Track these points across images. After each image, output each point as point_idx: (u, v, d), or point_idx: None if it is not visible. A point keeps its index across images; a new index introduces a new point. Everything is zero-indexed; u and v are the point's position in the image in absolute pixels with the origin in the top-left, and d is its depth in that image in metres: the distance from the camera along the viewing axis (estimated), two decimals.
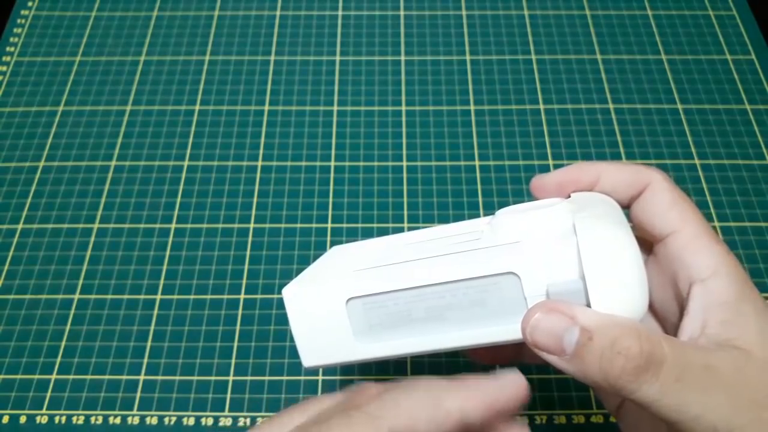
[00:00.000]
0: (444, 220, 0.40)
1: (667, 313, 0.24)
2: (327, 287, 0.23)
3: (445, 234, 0.26)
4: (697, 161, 0.42)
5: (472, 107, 0.45)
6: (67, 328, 0.36)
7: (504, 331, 0.22)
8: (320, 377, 0.35)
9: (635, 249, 0.21)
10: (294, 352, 0.36)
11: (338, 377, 0.35)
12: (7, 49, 0.48)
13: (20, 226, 0.40)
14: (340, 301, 0.23)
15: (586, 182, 0.25)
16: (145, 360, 0.35)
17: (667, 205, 0.23)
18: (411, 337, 0.23)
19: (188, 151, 0.43)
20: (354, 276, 0.24)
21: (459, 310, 0.23)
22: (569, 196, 0.25)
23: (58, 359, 0.35)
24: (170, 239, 0.39)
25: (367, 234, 0.39)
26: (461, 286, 0.22)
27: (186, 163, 0.42)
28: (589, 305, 0.21)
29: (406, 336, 0.23)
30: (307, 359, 0.24)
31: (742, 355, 0.20)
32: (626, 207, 0.25)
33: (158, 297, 0.37)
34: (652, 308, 0.25)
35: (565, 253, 0.21)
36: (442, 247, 0.24)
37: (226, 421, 0.34)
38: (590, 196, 0.25)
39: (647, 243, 0.25)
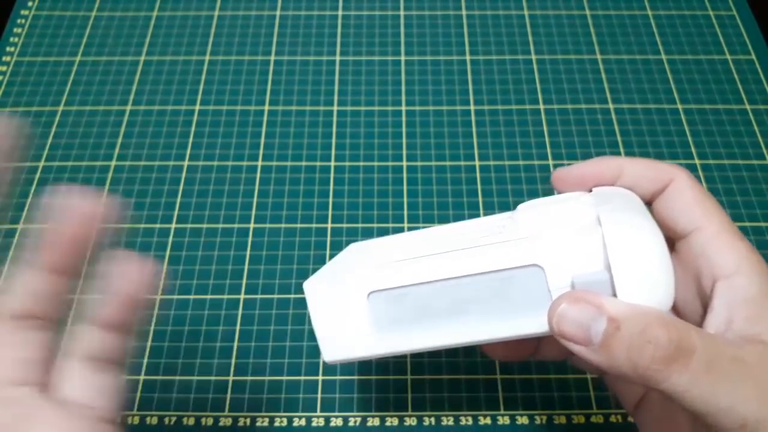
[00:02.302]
0: (444, 220, 0.40)
1: (689, 311, 0.24)
2: (348, 281, 0.23)
3: (466, 230, 0.26)
4: (697, 161, 0.42)
5: (472, 107, 0.45)
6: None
7: (527, 324, 0.22)
8: (320, 377, 0.35)
9: (661, 239, 0.21)
10: (294, 352, 0.36)
11: (338, 377, 0.35)
12: (7, 49, 0.48)
13: (21, 226, 0.40)
14: (361, 294, 0.23)
15: (608, 176, 0.25)
16: (145, 360, 0.35)
17: (690, 201, 0.23)
18: (432, 331, 0.23)
19: (188, 151, 0.43)
20: (375, 270, 0.23)
21: (481, 304, 0.23)
22: (590, 191, 0.25)
23: None
24: (170, 239, 0.39)
25: (367, 234, 0.39)
26: (484, 279, 0.22)
27: (186, 163, 0.42)
28: (615, 296, 0.21)
29: (427, 330, 0.23)
30: (329, 354, 0.24)
31: None
32: (648, 203, 0.25)
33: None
34: (673, 306, 0.25)
35: (590, 244, 0.21)
36: (464, 241, 0.24)
37: (226, 421, 0.34)
38: (612, 191, 0.25)
39: (669, 240, 0.25)
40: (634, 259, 0.20)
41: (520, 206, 0.25)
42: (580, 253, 0.21)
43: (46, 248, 0.22)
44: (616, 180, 0.25)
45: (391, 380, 0.35)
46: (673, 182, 0.24)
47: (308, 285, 0.24)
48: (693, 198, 0.23)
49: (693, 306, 0.24)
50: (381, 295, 0.23)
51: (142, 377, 0.35)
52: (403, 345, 0.23)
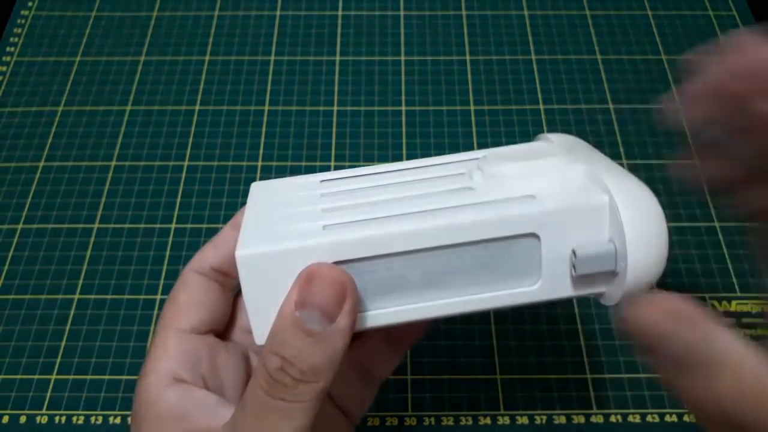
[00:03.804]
0: None
1: None
2: (295, 249, 0.19)
3: (423, 174, 0.23)
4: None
5: (472, 107, 0.45)
6: (67, 328, 0.36)
7: (514, 293, 0.20)
8: None
9: (660, 206, 0.19)
10: None
11: None
12: (7, 49, 0.48)
13: (20, 226, 0.40)
14: None
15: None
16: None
17: None
18: (405, 306, 0.20)
19: (188, 151, 0.43)
20: (330, 234, 0.19)
21: (463, 274, 0.20)
22: (536, 138, 0.24)
23: (58, 359, 0.35)
24: (170, 239, 0.39)
25: None
26: (470, 248, 0.20)
27: (186, 163, 0.42)
28: (616, 271, 0.19)
29: (399, 304, 0.20)
30: (263, 337, 0.20)
31: None
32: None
33: (158, 297, 0.37)
34: None
35: (596, 212, 0.19)
36: (434, 194, 0.21)
37: None
38: (573, 141, 0.23)
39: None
40: (643, 232, 0.19)
41: (487, 155, 0.22)
42: (583, 222, 0.19)
43: None
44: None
45: (391, 380, 0.35)
46: None
47: (242, 253, 0.19)
48: None
49: None
50: (349, 269, 0.20)
51: None
52: (370, 322, 0.20)
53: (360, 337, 0.26)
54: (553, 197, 0.20)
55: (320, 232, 0.20)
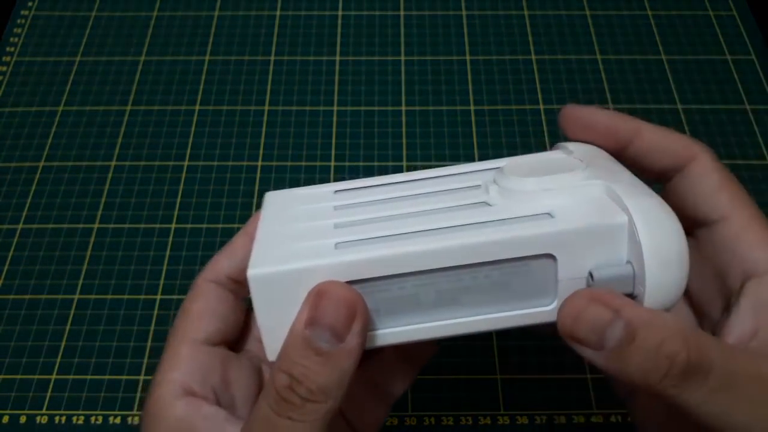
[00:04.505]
0: None
1: (707, 305, 0.22)
2: (307, 269, 0.19)
3: (439, 186, 0.23)
4: None
5: (472, 107, 0.45)
6: (67, 328, 0.36)
7: (528, 313, 0.20)
8: None
9: (682, 231, 0.19)
10: None
11: None
12: (7, 49, 0.48)
13: (20, 226, 0.40)
14: None
15: (622, 136, 0.22)
16: (145, 360, 0.35)
17: (716, 186, 0.21)
18: (416, 325, 0.20)
19: (188, 151, 0.43)
20: (342, 253, 0.19)
21: (477, 294, 0.20)
22: (556, 147, 0.23)
23: (58, 359, 0.35)
24: (170, 239, 0.39)
25: None
26: (485, 268, 0.19)
27: (186, 163, 0.42)
28: (634, 294, 0.19)
29: (412, 323, 0.20)
30: (275, 354, 0.20)
31: None
32: (658, 179, 0.23)
33: (158, 297, 0.37)
34: (687, 296, 0.23)
35: (613, 233, 0.19)
36: (448, 210, 0.21)
37: None
38: (593, 152, 0.22)
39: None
40: (662, 253, 0.18)
41: (506, 167, 0.21)
42: (600, 242, 0.19)
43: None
44: (629, 143, 0.22)
45: None
46: (695, 161, 0.21)
47: (254, 273, 0.19)
48: (719, 182, 0.21)
49: (712, 301, 0.22)
50: (360, 289, 0.19)
51: (141, 377, 0.35)
52: (380, 341, 0.20)
53: (373, 355, 0.26)
54: (571, 216, 0.19)
55: (332, 251, 0.19)
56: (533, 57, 0.47)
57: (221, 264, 0.24)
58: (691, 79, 0.46)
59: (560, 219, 0.19)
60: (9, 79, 0.46)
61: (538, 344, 0.36)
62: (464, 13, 0.50)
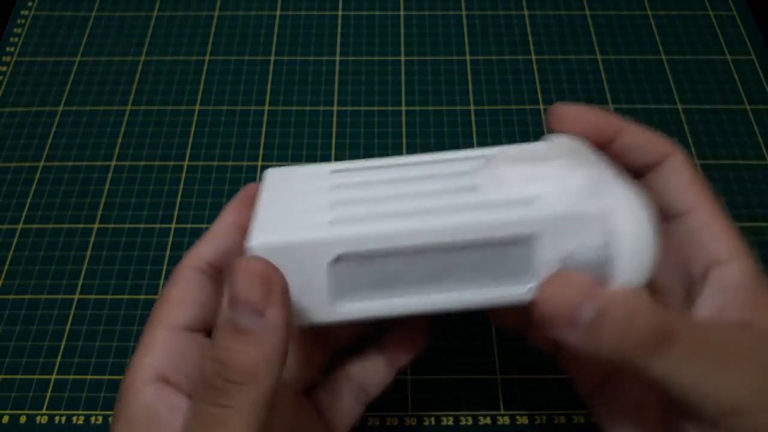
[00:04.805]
0: None
1: (669, 295, 0.23)
2: (304, 242, 0.20)
3: (431, 170, 0.24)
4: (697, 161, 0.42)
5: (472, 107, 0.45)
6: (67, 328, 0.36)
7: (505, 293, 0.21)
8: None
9: (654, 218, 0.20)
10: None
11: None
12: (7, 49, 0.48)
13: (20, 226, 0.40)
14: (322, 259, 0.20)
15: (606, 133, 0.24)
16: None
17: (685, 182, 0.23)
18: (399, 299, 0.21)
19: (188, 151, 0.43)
20: (336, 228, 0.20)
21: (459, 272, 0.21)
22: (544, 138, 0.24)
23: (58, 359, 0.35)
24: (170, 239, 0.39)
25: None
26: (466, 248, 0.21)
27: (186, 163, 0.42)
28: (606, 277, 0.20)
29: (393, 297, 0.21)
30: None
31: (765, 336, 0.20)
32: (636, 174, 0.24)
33: (158, 297, 0.37)
34: (650, 286, 0.24)
35: (590, 220, 0.20)
36: (437, 192, 0.22)
37: None
38: (577, 143, 0.23)
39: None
40: (635, 240, 0.20)
41: (496, 154, 0.23)
42: (578, 227, 0.20)
43: (242, 204, 0.24)
44: (611, 140, 0.24)
45: None
46: (669, 159, 0.23)
47: (257, 242, 0.20)
48: (689, 179, 0.23)
49: (674, 288, 0.23)
50: (344, 261, 0.20)
51: None
52: (364, 312, 0.21)
53: (357, 354, 0.26)
54: (551, 202, 0.20)
55: (326, 227, 0.21)
56: (533, 57, 0.47)
57: (202, 250, 0.24)
58: (691, 79, 0.46)
59: (540, 204, 0.20)
60: (9, 79, 0.46)
61: None
62: (464, 13, 0.50)
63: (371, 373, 0.27)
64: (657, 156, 0.23)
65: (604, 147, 0.24)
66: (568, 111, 0.24)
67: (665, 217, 0.23)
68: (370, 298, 0.21)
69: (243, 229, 0.24)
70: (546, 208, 0.20)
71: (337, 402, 0.26)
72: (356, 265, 0.21)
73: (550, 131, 0.25)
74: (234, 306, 0.18)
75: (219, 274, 0.24)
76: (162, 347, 0.22)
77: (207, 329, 0.23)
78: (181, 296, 0.23)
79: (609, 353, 0.19)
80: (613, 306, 0.19)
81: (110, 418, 0.34)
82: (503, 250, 0.21)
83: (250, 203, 0.24)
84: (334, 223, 0.21)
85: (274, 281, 0.19)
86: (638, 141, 0.24)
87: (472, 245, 0.20)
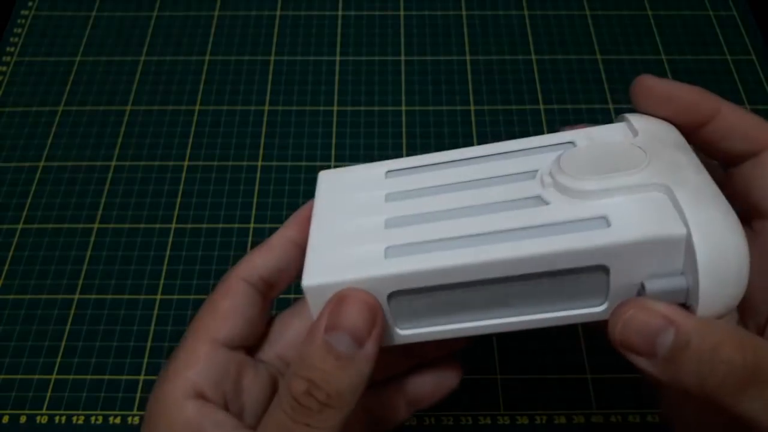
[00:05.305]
0: None
1: (756, 302, 0.21)
2: (358, 280, 0.20)
3: (493, 170, 0.22)
4: None
5: (472, 107, 0.45)
6: (67, 328, 0.36)
7: (577, 314, 0.20)
8: None
9: (746, 242, 0.18)
10: None
11: None
12: (7, 49, 0.48)
13: (20, 226, 0.40)
14: (379, 293, 0.20)
15: (701, 113, 0.21)
16: (145, 360, 0.35)
17: None
18: (463, 324, 0.20)
19: (188, 151, 0.43)
20: (392, 263, 0.20)
21: (525, 298, 0.20)
22: (625, 119, 0.22)
23: (58, 359, 0.35)
24: (170, 239, 0.39)
25: None
26: (536, 277, 0.19)
27: (186, 163, 0.42)
28: (687, 304, 0.19)
29: (456, 322, 0.20)
30: None
31: None
32: (729, 162, 0.21)
33: (158, 297, 0.37)
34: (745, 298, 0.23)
35: (670, 245, 0.18)
36: (500, 204, 0.21)
37: None
38: (661, 133, 0.21)
39: (743, 215, 0.20)
40: (720, 268, 0.18)
41: (563, 160, 0.20)
42: (657, 252, 0.18)
43: (302, 221, 0.23)
44: (707, 121, 0.21)
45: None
46: (766, 150, 0.20)
47: (309, 282, 0.20)
48: None
49: (763, 298, 0.20)
50: (403, 295, 0.20)
51: (142, 377, 0.35)
52: (426, 337, 0.21)
53: (376, 386, 0.26)
54: (627, 224, 0.19)
55: (382, 261, 0.20)
56: (533, 57, 0.47)
57: (255, 262, 0.23)
58: (691, 79, 0.46)
59: (616, 227, 0.19)
60: (9, 79, 0.46)
61: (538, 345, 0.36)
62: (464, 13, 0.50)
63: (390, 407, 0.26)
64: (756, 144, 0.20)
65: (696, 130, 0.21)
66: (657, 86, 0.21)
67: (758, 215, 0.21)
68: (433, 324, 0.21)
69: (300, 247, 0.23)
70: (620, 233, 0.18)
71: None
72: (416, 296, 0.20)
73: (628, 110, 0.23)
74: (335, 331, 0.19)
75: (269, 289, 0.23)
76: (204, 362, 0.21)
77: (247, 346, 0.23)
78: (230, 309, 0.22)
79: (691, 387, 0.18)
80: (695, 335, 0.17)
81: (111, 418, 0.34)
82: (575, 276, 0.19)
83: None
84: (389, 255, 0.20)
85: (378, 316, 0.19)
86: (738, 125, 0.21)
87: (541, 275, 0.19)
